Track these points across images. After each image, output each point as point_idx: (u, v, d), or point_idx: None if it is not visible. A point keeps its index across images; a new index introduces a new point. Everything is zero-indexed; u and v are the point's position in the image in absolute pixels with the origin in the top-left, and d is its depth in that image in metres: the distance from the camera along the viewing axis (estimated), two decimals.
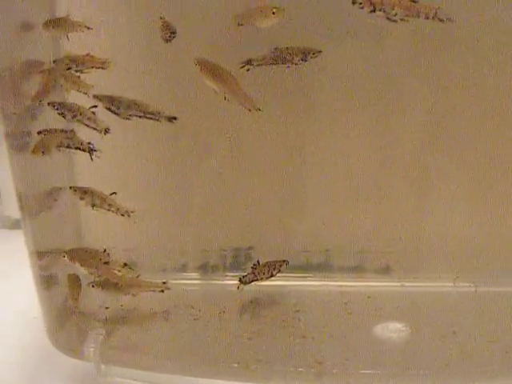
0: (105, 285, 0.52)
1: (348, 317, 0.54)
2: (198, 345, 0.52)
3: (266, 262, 0.52)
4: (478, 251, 0.55)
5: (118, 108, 0.48)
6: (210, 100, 0.49)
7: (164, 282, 0.52)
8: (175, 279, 0.56)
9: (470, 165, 0.54)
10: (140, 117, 0.48)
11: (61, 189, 0.55)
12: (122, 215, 0.52)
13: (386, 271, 0.57)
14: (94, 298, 0.55)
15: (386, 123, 0.54)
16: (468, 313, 0.54)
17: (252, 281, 0.52)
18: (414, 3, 0.44)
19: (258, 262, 0.52)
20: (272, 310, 0.56)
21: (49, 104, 0.50)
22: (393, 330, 0.52)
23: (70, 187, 0.52)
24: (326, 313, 0.55)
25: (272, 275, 0.52)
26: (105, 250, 0.52)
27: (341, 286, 0.57)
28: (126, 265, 0.52)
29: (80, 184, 0.53)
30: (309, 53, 0.47)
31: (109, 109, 0.48)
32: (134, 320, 0.55)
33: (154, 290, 0.53)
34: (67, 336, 0.53)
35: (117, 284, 0.52)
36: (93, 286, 0.52)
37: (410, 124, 0.53)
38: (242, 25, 0.46)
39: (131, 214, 0.52)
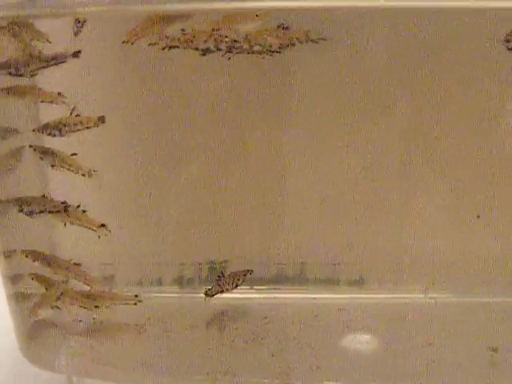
0: (77, 297, 0.53)
1: (318, 329, 0.53)
2: (168, 357, 0.52)
3: (230, 273, 0.52)
4: (452, 263, 0.55)
5: (18, 70, 0.47)
6: (185, 111, 0.49)
7: (136, 295, 0.53)
8: (151, 292, 0.56)
9: (448, 178, 0.54)
10: (44, 67, 0.47)
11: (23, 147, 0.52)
12: (83, 175, 0.51)
13: (359, 283, 0.56)
14: (67, 311, 0.55)
15: (363, 138, 0.54)
16: (442, 324, 0.54)
17: (217, 292, 0.52)
18: (285, 30, 0.45)
19: (221, 273, 0.52)
20: (243, 322, 0.56)
21: None
22: (362, 341, 0.51)
23: (30, 146, 0.51)
24: (297, 325, 0.54)
25: (237, 285, 0.52)
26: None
27: (314, 298, 0.57)
28: (103, 225, 0.52)
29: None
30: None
31: (10, 73, 0.47)
32: (106, 333, 0.55)
33: (126, 303, 0.53)
34: (39, 348, 0.54)
35: (89, 296, 0.53)
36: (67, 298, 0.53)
37: (387, 138, 0.53)
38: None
39: (93, 172, 0.51)
